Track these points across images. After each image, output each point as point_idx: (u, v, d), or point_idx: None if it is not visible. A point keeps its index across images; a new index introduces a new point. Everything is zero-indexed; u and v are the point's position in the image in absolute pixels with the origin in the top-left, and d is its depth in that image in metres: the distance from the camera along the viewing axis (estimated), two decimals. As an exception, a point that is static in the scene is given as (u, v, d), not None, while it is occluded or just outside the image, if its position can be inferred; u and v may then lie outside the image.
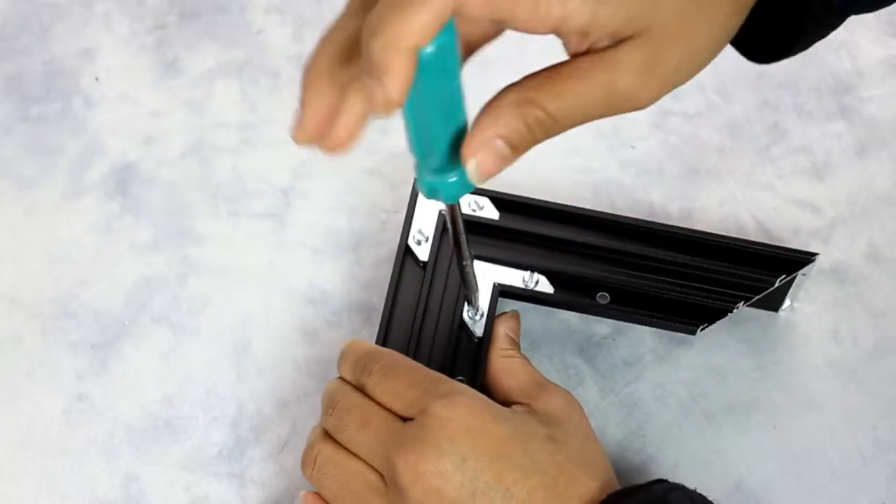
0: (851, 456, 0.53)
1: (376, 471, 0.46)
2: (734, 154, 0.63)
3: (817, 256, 0.54)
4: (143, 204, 0.60)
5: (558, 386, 0.50)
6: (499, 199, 0.56)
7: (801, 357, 0.56)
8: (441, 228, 0.55)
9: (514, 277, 0.54)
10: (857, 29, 0.67)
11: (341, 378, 0.49)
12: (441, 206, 0.55)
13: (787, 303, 0.57)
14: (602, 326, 0.57)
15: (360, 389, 0.48)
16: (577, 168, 0.62)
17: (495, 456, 0.44)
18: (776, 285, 0.54)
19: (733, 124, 0.64)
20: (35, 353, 0.55)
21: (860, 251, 0.59)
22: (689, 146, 0.63)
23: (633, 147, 0.63)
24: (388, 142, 0.63)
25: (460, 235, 0.46)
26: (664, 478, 0.46)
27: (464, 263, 0.48)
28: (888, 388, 0.55)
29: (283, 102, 0.64)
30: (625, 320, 0.55)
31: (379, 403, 0.47)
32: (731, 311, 0.53)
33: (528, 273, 0.54)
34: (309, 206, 0.60)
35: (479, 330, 0.53)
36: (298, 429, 0.53)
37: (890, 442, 0.53)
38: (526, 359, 0.52)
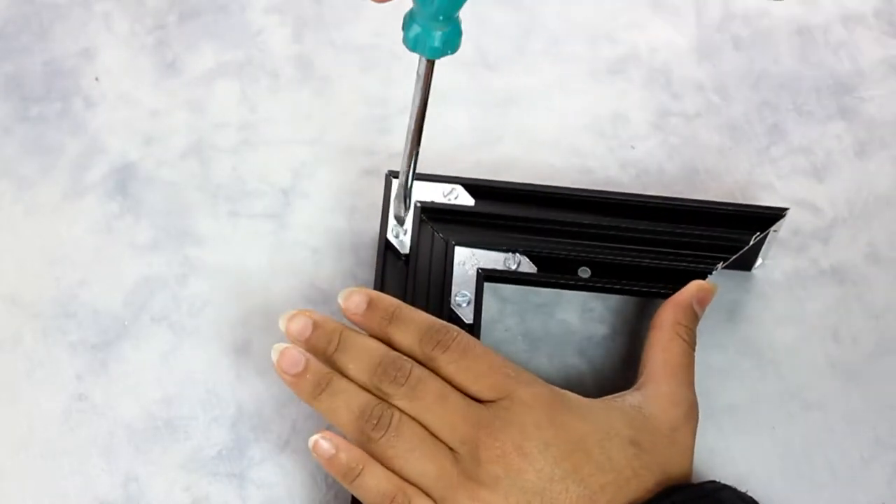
0: (851, 456, 0.53)
1: (444, 443, 0.46)
2: (734, 154, 0.63)
3: (787, 212, 0.55)
4: (143, 204, 0.60)
5: (694, 399, 0.50)
6: (471, 186, 0.56)
7: (800, 357, 0.56)
8: (419, 220, 0.55)
9: (496, 261, 0.55)
10: (857, 29, 0.67)
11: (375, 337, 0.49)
12: (421, 196, 0.56)
13: (759, 261, 0.58)
14: (602, 326, 0.57)
15: (421, 359, 0.48)
16: (578, 168, 0.62)
17: (574, 448, 0.46)
18: (751, 243, 0.55)
19: (733, 124, 0.64)
20: (35, 353, 0.55)
21: (860, 251, 0.59)
22: (689, 146, 0.63)
23: (633, 147, 0.63)
24: (388, 142, 0.63)
25: (426, 102, 0.48)
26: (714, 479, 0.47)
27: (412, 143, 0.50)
28: (888, 388, 0.55)
29: (283, 102, 0.64)
30: (607, 292, 0.55)
31: (448, 380, 0.47)
32: (711, 273, 0.54)
33: (510, 255, 0.55)
34: (309, 206, 0.60)
35: (468, 317, 0.53)
36: (298, 429, 0.53)
37: (890, 442, 0.53)
38: (692, 347, 0.51)
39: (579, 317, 0.57)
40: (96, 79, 0.65)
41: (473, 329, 0.53)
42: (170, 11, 0.67)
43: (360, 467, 0.46)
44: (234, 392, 0.54)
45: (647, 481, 0.46)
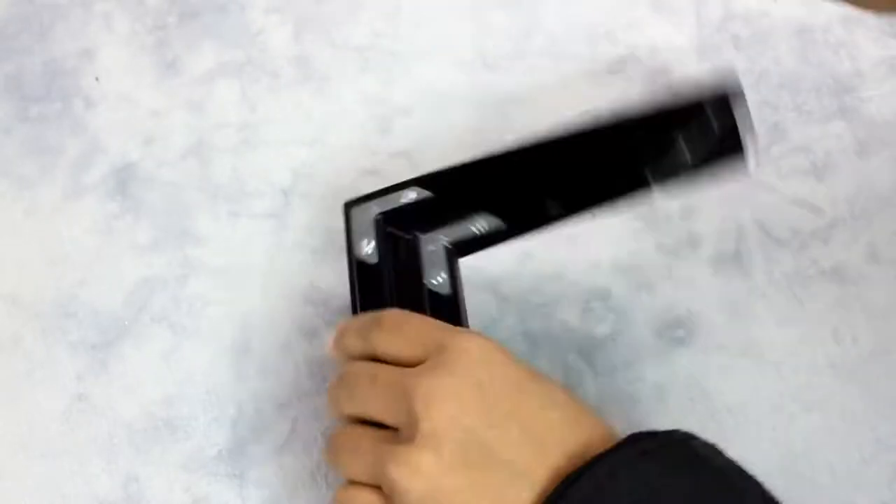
0: (851, 456, 0.53)
1: (391, 426, 0.44)
2: (734, 154, 0.63)
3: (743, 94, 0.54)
4: (143, 204, 0.60)
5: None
6: (423, 181, 0.54)
7: (801, 357, 0.56)
8: (383, 231, 0.54)
9: (464, 231, 0.53)
10: (857, 29, 0.67)
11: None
12: (382, 208, 0.55)
13: (752, 163, 0.55)
14: (602, 326, 0.57)
15: (369, 354, 0.46)
16: (577, 168, 0.62)
17: (514, 388, 0.43)
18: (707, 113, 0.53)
19: (733, 124, 0.64)
20: (35, 353, 0.55)
21: (860, 251, 0.59)
22: (689, 146, 0.63)
23: (633, 147, 0.63)
24: (388, 142, 0.63)
25: None
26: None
27: None
28: (888, 388, 0.55)
29: (283, 102, 0.64)
30: (585, 212, 0.53)
31: (387, 360, 0.45)
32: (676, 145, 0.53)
33: (475, 219, 0.53)
34: (309, 206, 0.60)
35: (445, 290, 0.52)
36: (298, 429, 0.53)
37: (890, 442, 0.53)
38: None
39: (579, 317, 0.57)
40: (96, 79, 0.65)
41: (454, 300, 0.51)
42: (170, 11, 0.67)
43: None
44: (234, 392, 0.54)
45: (596, 421, 0.43)
